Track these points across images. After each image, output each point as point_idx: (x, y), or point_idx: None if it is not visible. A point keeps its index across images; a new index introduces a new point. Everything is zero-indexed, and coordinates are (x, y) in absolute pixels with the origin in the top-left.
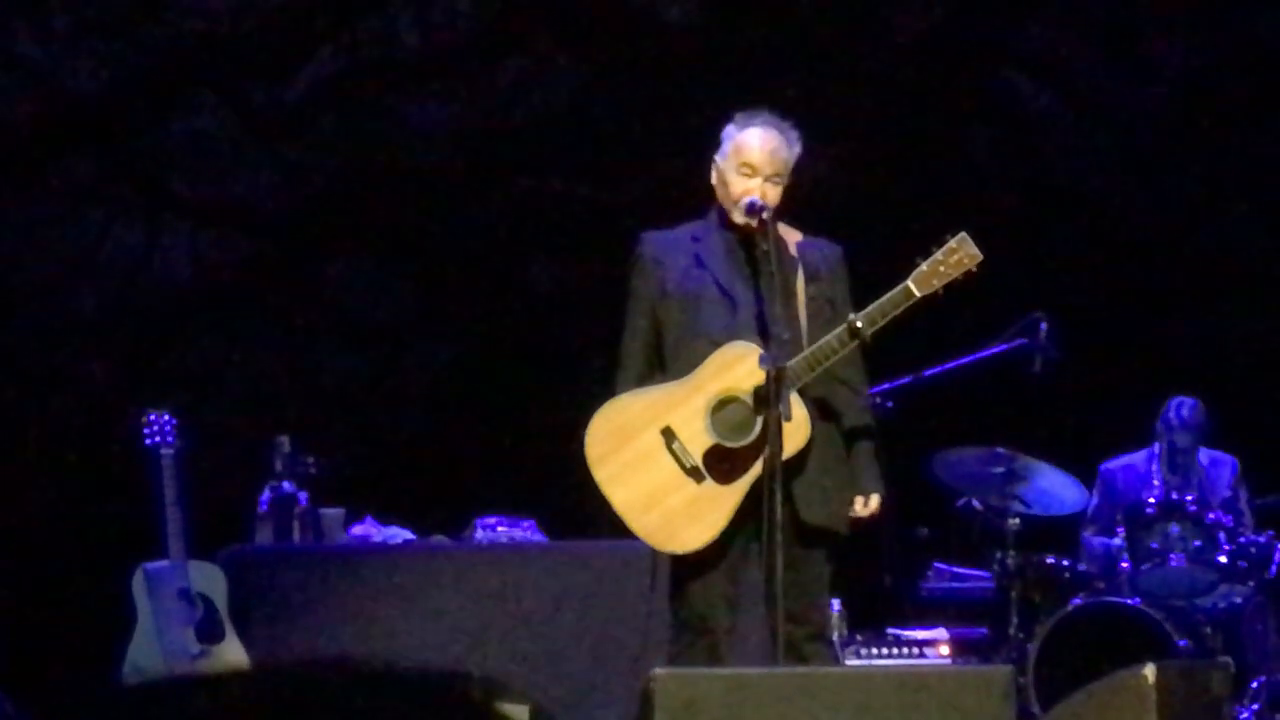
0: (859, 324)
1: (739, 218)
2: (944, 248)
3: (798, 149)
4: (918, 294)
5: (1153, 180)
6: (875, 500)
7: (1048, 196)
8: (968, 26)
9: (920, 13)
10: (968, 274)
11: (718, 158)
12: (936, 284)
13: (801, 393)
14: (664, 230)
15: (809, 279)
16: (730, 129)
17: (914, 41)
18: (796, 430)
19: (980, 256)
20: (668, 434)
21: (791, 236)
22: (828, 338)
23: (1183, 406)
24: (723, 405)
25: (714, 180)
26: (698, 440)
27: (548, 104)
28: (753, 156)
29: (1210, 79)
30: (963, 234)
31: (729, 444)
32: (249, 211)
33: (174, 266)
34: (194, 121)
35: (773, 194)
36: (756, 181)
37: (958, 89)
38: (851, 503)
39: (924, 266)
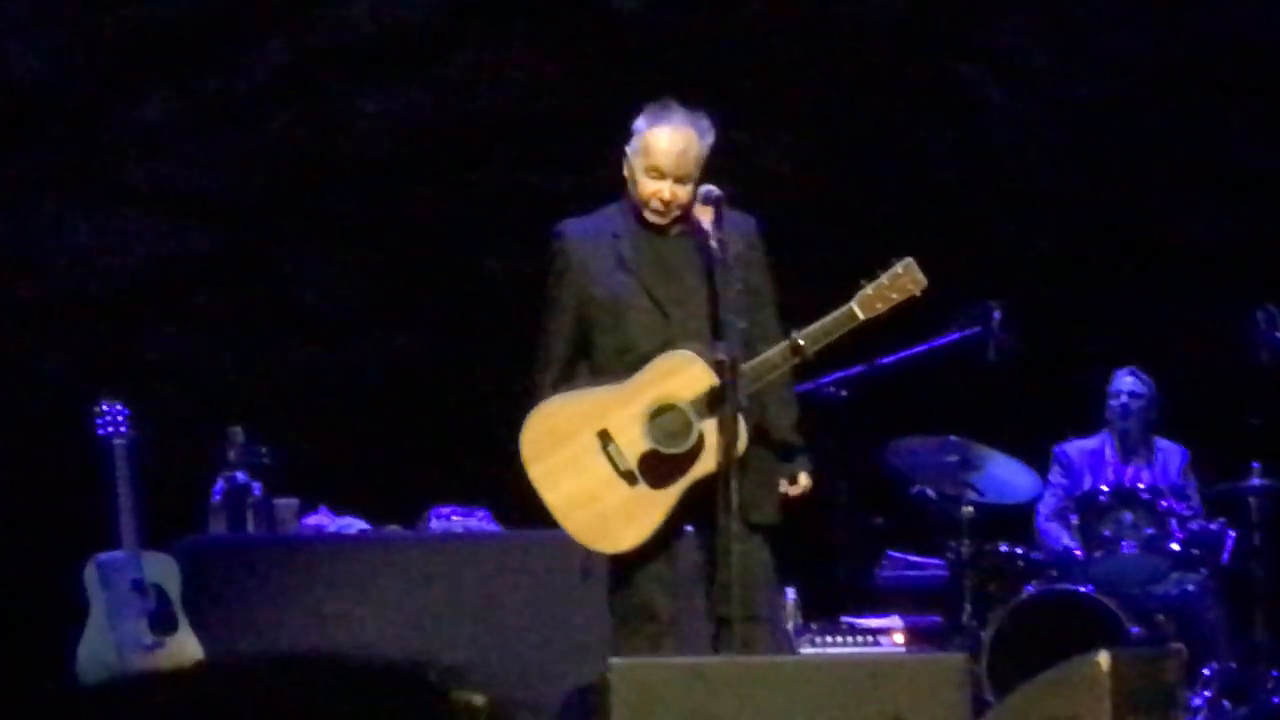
0: (801, 341)
1: (650, 217)
2: (889, 271)
3: (710, 139)
4: (861, 317)
5: (1106, 173)
6: (804, 479)
7: (1002, 188)
8: (924, 18)
9: (877, 3)
10: (911, 298)
11: (628, 150)
12: (881, 307)
13: (758, 404)
14: (581, 219)
15: (729, 270)
16: (640, 124)
17: (870, 32)
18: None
19: (925, 283)
20: (604, 437)
21: (704, 216)
22: (769, 353)
23: (1128, 373)
24: (660, 412)
25: (625, 174)
26: (634, 445)
27: (503, 93)
28: (659, 159)
29: (1165, 74)
30: (909, 259)
31: (665, 450)
32: (202, 202)
33: (128, 257)
34: (146, 111)
35: (683, 193)
36: (665, 183)
37: (913, 81)
38: (777, 486)
39: (869, 289)
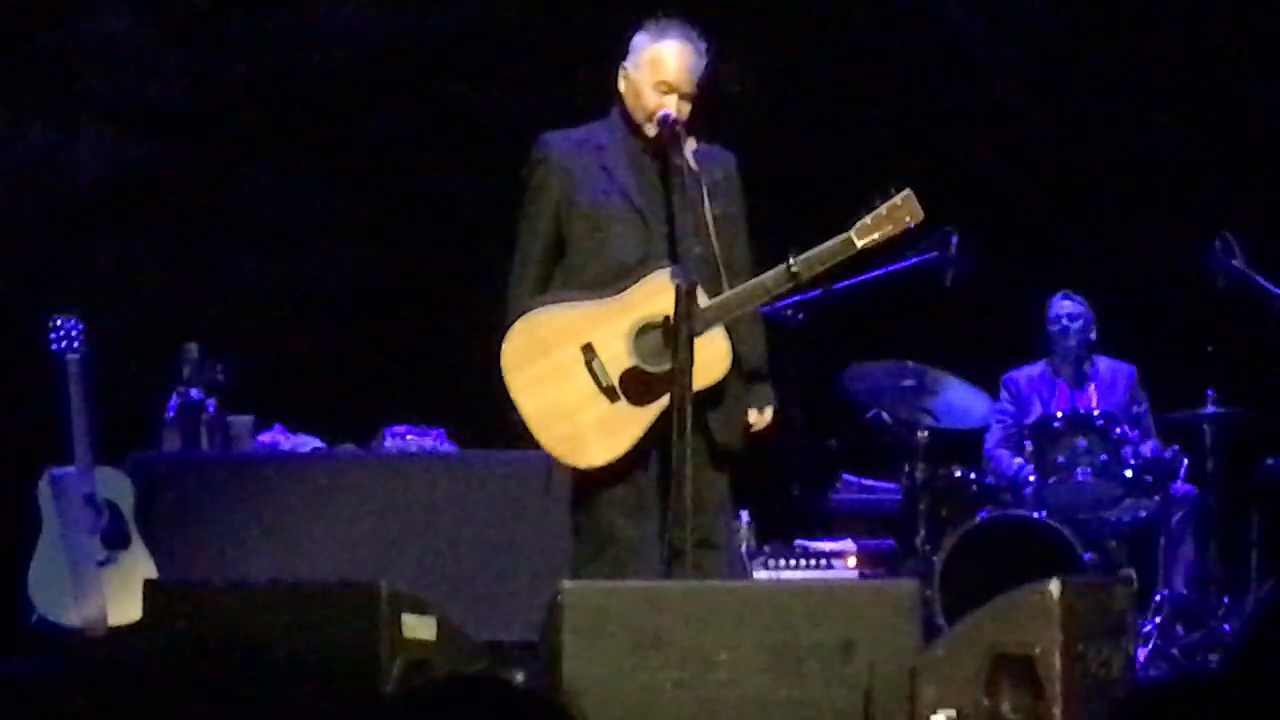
0: (796, 268)
1: (651, 131)
2: (888, 202)
3: (705, 60)
4: (859, 245)
5: (1063, 93)
6: (769, 412)
7: (959, 109)
8: None
9: None
10: (906, 230)
11: (628, 65)
12: (878, 237)
13: (727, 326)
14: (564, 132)
15: (711, 195)
16: (642, 38)
17: None
18: (718, 360)
19: (922, 215)
20: (588, 351)
21: (688, 145)
22: (763, 276)
23: (1063, 297)
24: (647, 329)
25: (622, 88)
26: (617, 361)
27: (464, 10)
28: (669, 73)
29: None
30: (908, 190)
31: (648, 368)
32: (159, 113)
33: (82, 169)
34: (103, 22)
35: (685, 109)
36: (673, 98)
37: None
38: (746, 413)
39: (867, 219)
